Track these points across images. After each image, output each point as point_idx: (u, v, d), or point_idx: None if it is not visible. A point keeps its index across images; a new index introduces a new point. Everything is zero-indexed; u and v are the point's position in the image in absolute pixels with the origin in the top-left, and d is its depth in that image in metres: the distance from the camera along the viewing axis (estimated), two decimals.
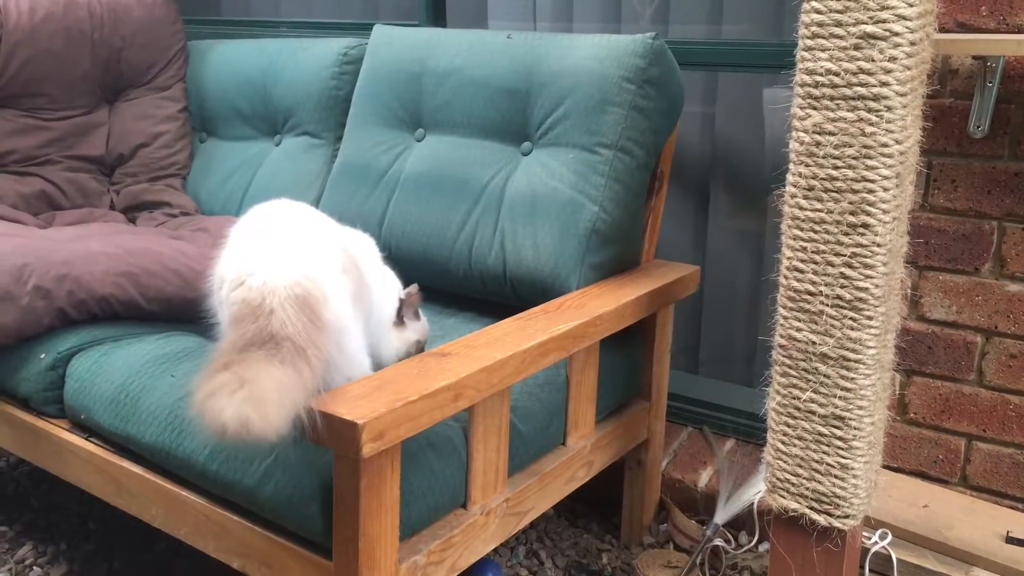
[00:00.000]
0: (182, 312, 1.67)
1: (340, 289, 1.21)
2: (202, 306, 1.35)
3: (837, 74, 1.08)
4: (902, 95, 1.06)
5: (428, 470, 1.26)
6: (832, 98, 1.09)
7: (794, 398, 1.20)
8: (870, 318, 1.13)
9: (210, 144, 2.42)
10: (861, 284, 1.12)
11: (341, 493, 1.12)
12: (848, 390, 1.16)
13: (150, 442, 1.40)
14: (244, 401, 1.02)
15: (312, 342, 1.11)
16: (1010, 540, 1.48)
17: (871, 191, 1.09)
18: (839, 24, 1.07)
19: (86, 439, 1.55)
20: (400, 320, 1.45)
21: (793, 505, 1.24)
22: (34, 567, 1.81)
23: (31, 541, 1.90)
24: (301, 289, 1.13)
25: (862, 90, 1.07)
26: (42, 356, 1.59)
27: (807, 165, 1.13)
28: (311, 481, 1.20)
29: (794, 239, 1.16)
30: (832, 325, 1.15)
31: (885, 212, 1.09)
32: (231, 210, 2.25)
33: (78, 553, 1.86)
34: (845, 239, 1.12)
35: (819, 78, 1.10)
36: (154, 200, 2.33)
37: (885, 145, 1.07)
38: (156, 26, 2.41)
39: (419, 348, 1.48)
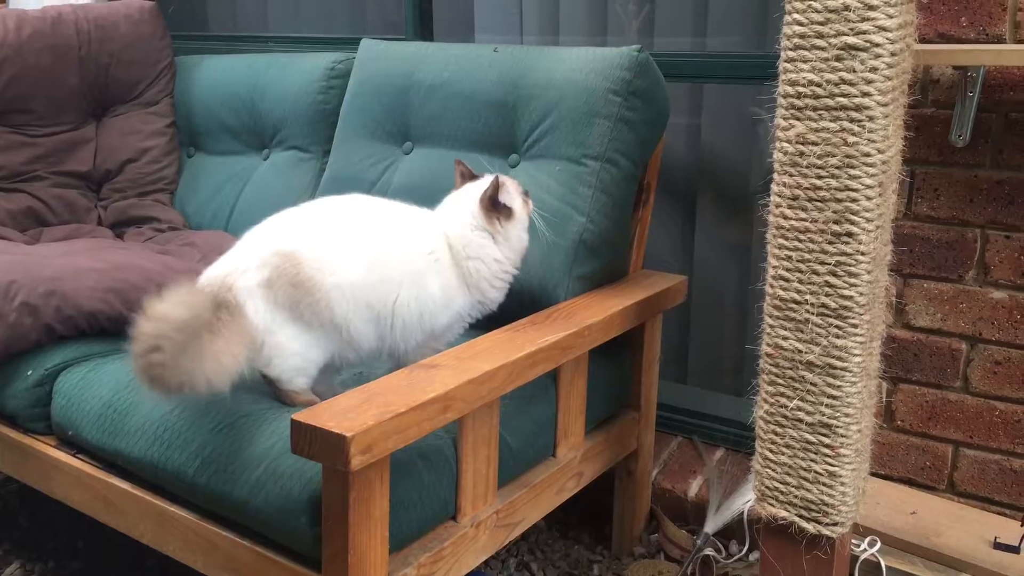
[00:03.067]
0: None
1: (254, 301, 1.33)
2: None
3: (819, 85, 1.10)
4: (884, 105, 1.07)
5: (418, 482, 1.26)
6: (815, 108, 1.10)
7: (781, 407, 1.21)
8: (855, 326, 1.14)
9: (198, 159, 2.42)
10: (846, 292, 1.13)
11: (330, 506, 1.12)
12: (835, 398, 1.16)
13: (138, 456, 1.40)
14: (184, 374, 1.19)
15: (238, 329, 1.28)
16: (997, 546, 1.49)
17: (854, 200, 1.10)
18: (821, 36, 1.08)
19: (74, 455, 1.55)
20: (495, 212, 1.47)
21: (782, 513, 1.24)
22: None
23: (19, 560, 1.89)
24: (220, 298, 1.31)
25: (844, 100, 1.08)
26: (29, 373, 1.58)
27: (791, 175, 1.14)
28: (300, 493, 1.20)
29: (779, 248, 1.17)
30: (818, 333, 1.16)
31: (868, 221, 1.10)
32: (219, 225, 2.25)
33: (66, 571, 1.85)
34: (829, 248, 1.13)
35: (802, 89, 1.11)
36: (142, 215, 2.32)
37: (867, 155, 1.08)
38: (143, 42, 2.42)
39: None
